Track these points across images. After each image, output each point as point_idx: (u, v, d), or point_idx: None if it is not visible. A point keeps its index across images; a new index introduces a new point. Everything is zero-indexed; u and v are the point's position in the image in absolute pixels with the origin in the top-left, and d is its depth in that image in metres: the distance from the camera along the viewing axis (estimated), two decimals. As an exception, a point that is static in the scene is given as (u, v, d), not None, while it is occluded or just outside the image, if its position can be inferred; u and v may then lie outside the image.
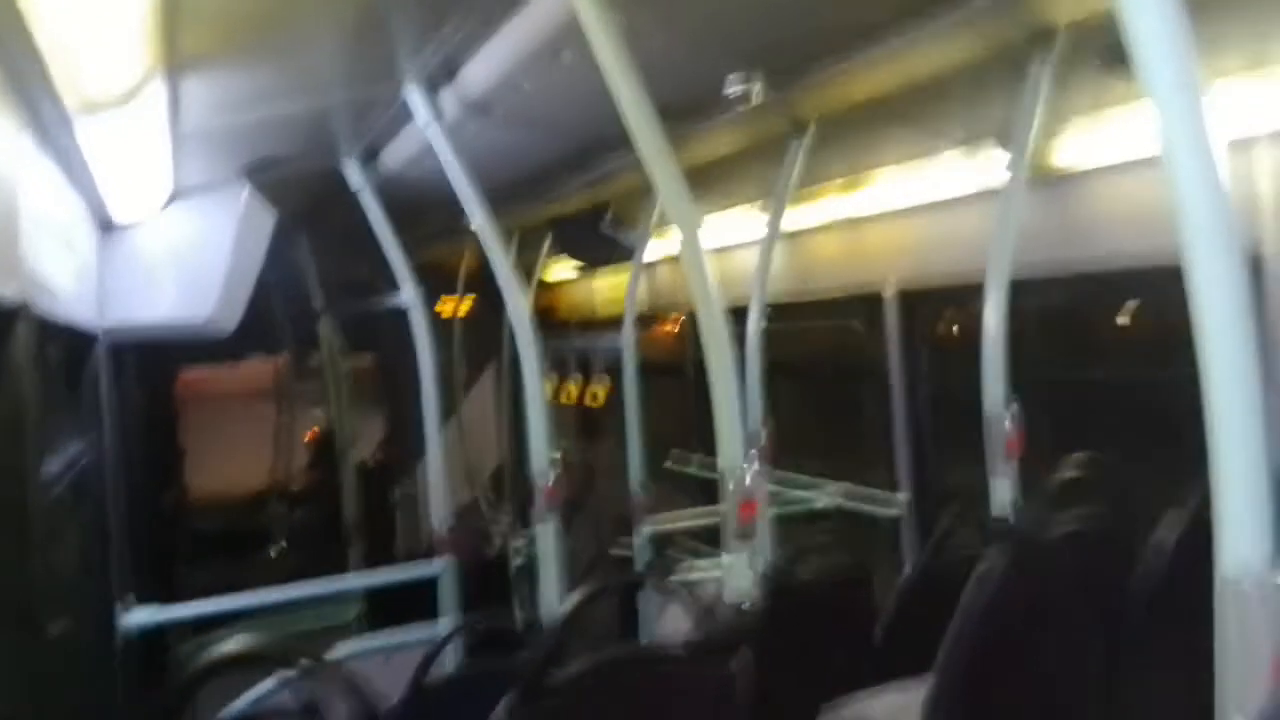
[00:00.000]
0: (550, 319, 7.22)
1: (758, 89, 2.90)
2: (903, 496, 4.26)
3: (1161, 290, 3.14)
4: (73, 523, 2.74)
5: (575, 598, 1.88)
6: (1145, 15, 1.26)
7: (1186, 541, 2.42)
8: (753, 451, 3.33)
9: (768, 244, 4.22)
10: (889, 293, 4.24)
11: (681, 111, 2.49)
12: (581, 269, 6.48)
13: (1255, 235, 2.45)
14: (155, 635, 4.01)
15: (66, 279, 2.67)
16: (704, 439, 5.92)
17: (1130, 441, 3.44)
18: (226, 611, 4.13)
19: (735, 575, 1.97)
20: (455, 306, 7.04)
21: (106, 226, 3.60)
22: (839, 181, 4.11)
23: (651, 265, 5.56)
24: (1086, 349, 3.74)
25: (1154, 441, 3.39)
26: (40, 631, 1.95)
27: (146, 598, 3.74)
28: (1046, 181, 3.18)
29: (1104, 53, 2.78)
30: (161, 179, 3.27)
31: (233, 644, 1.81)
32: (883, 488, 4.40)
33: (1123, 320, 3.42)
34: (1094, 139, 3.13)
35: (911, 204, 3.96)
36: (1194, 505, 2.43)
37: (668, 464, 6.06)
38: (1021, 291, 3.05)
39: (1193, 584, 2.47)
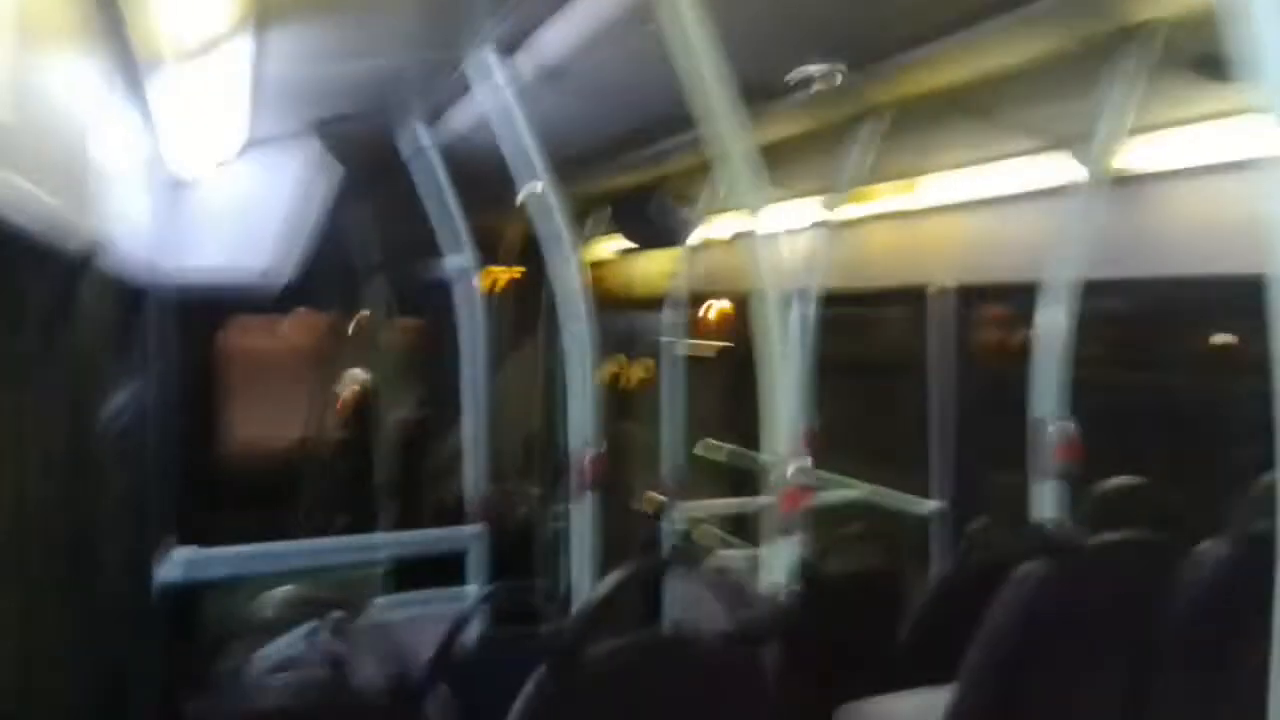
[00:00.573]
0: (598, 293, 7.21)
1: (829, 73, 2.85)
2: (938, 496, 4.22)
3: (1229, 302, 3.07)
4: (124, 465, 2.80)
5: (614, 577, 1.88)
6: (1260, 19, 1.21)
7: (1230, 563, 2.37)
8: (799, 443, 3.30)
9: (826, 232, 4.17)
10: (936, 289, 4.18)
11: (752, 92, 2.44)
12: (629, 248, 6.46)
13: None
14: (188, 584, 4.10)
15: (131, 226, 2.71)
16: (740, 428, 5.94)
17: (1178, 456, 3.37)
18: (260, 560, 4.21)
19: (774, 567, 1.95)
20: (500, 277, 7.06)
21: (172, 175, 3.65)
22: (904, 173, 4.04)
23: (700, 249, 5.52)
24: (1143, 359, 3.66)
25: (1201, 458, 3.32)
26: (90, 567, 1.99)
27: (185, 542, 3.81)
28: (1119, 186, 3.10)
29: (1191, 57, 2.70)
30: (229, 132, 3.30)
31: (266, 601, 1.84)
32: (917, 488, 4.35)
33: (1184, 331, 3.35)
34: (1169, 143, 3.05)
35: (974, 199, 3.89)
36: (1239, 525, 2.38)
37: (697, 450, 6.05)
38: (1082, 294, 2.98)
39: (1234, 606, 2.42)
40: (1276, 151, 1.14)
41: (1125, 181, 3.13)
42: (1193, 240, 2.99)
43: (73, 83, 1.79)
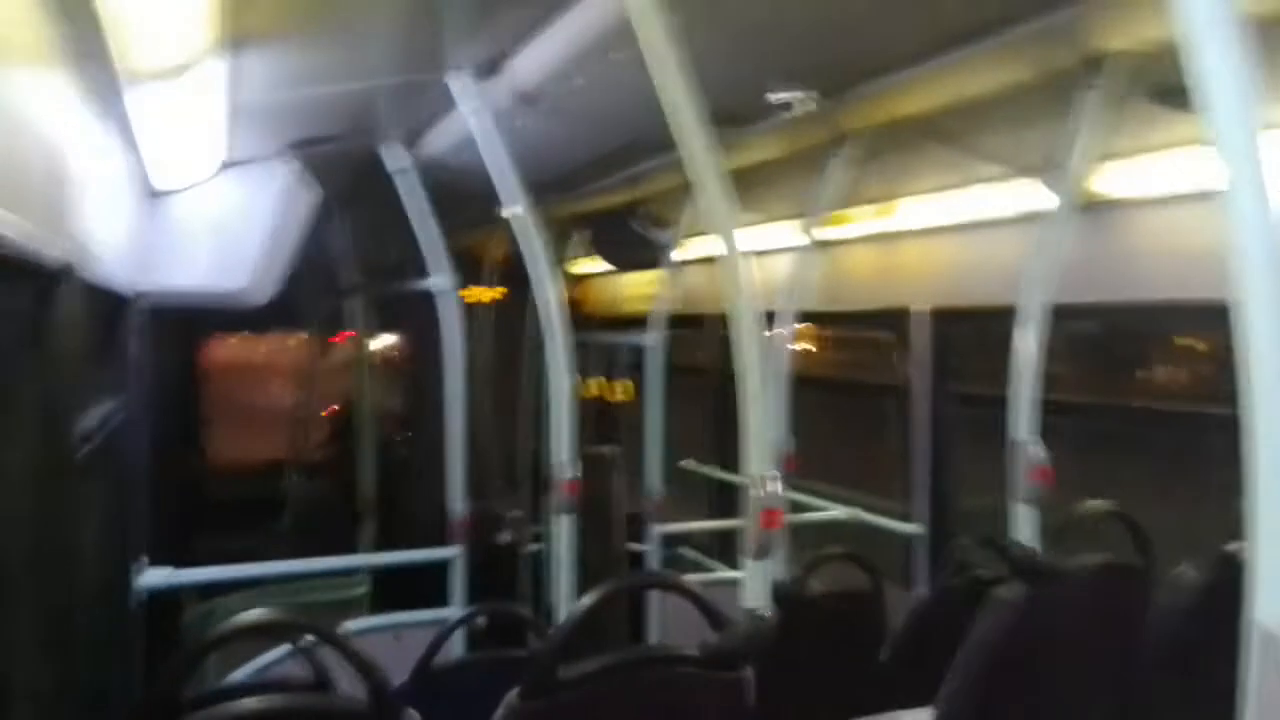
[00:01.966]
0: (574, 314, 7.24)
1: (804, 99, 2.90)
2: (917, 517, 4.24)
3: (1196, 326, 3.13)
4: (99, 481, 2.78)
5: (594, 594, 1.88)
6: (1209, 52, 1.25)
7: (1209, 585, 2.40)
8: (777, 462, 3.33)
9: (802, 255, 4.21)
10: (917, 311, 4.23)
11: (726, 116, 2.49)
12: (610, 268, 6.49)
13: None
14: (168, 597, 4.06)
15: (109, 242, 2.70)
16: (721, 446, 5.97)
17: (1154, 478, 3.41)
18: (237, 579, 4.18)
19: (754, 585, 1.96)
20: (482, 296, 7.07)
21: (150, 193, 3.64)
22: (876, 198, 4.10)
23: (679, 267, 5.56)
24: (1114, 381, 3.71)
25: (1178, 480, 3.36)
26: (64, 585, 1.98)
27: (161, 560, 3.78)
28: (1087, 210, 3.16)
29: (1154, 87, 2.77)
30: (208, 150, 3.30)
31: (249, 613, 1.83)
32: (898, 507, 4.38)
33: (1153, 353, 3.40)
34: (1137, 171, 3.11)
35: (946, 224, 3.94)
36: (1218, 548, 2.40)
37: (682, 464, 6.06)
38: (1054, 318, 3.03)
39: (1212, 629, 2.44)
40: (1222, 181, 1.18)
41: (1095, 207, 3.18)
42: (1160, 265, 3.04)
43: (48, 101, 1.80)
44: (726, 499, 5.92)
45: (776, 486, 1.94)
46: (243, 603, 4.05)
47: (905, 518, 4.32)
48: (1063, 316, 2.96)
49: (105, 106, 2.39)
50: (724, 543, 5.89)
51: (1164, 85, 2.67)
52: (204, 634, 3.32)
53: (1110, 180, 3.15)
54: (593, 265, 6.55)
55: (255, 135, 3.48)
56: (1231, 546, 2.35)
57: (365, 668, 1.71)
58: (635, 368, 6.06)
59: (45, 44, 1.75)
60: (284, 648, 3.39)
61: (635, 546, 5.66)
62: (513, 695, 1.76)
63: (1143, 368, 3.62)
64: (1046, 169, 3.19)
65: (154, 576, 3.66)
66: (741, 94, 2.98)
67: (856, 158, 3.79)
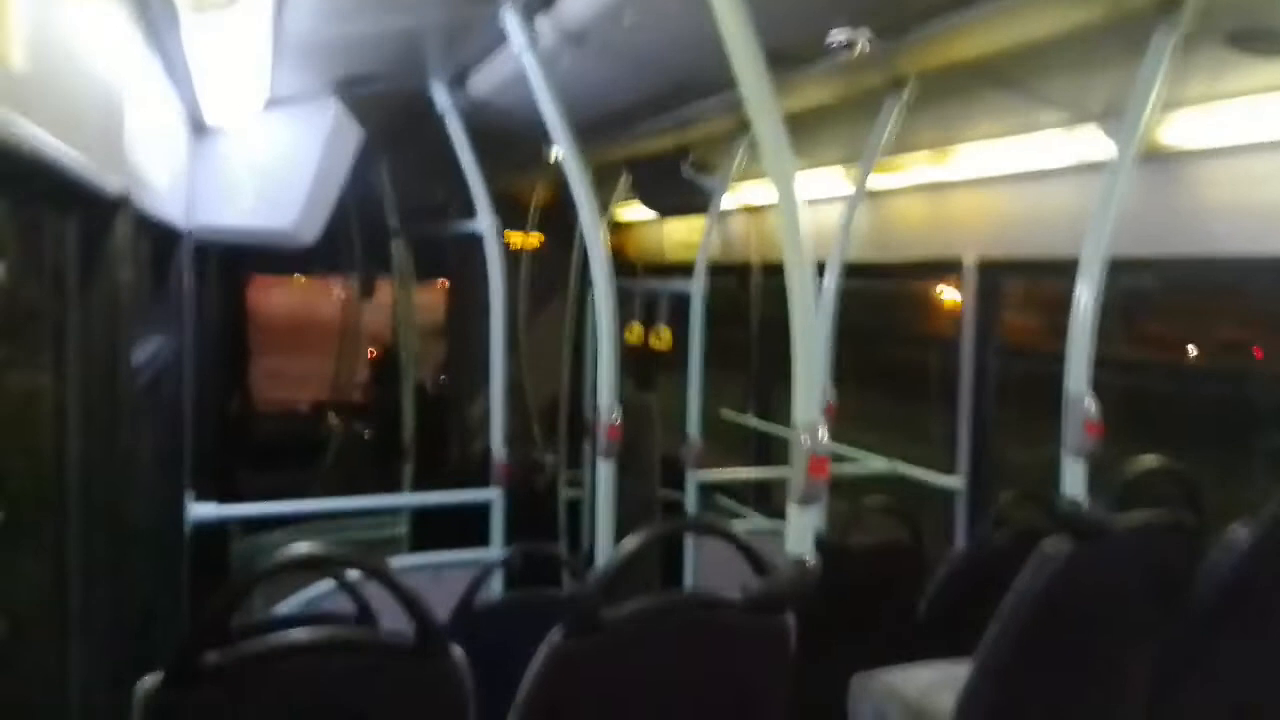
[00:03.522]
0: (618, 260, 7.21)
1: (862, 40, 2.80)
2: (960, 472, 4.21)
3: (1267, 281, 3.03)
4: (152, 415, 2.83)
5: (638, 536, 1.88)
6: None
7: (1259, 546, 2.35)
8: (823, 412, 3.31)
9: (853, 202, 4.13)
10: (968, 263, 4.14)
11: (781, 56, 2.41)
12: (654, 214, 6.43)
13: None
14: (215, 531, 4.16)
15: (162, 177, 2.72)
16: (761, 395, 5.95)
17: (1206, 438, 3.35)
18: (282, 515, 4.28)
19: (797, 534, 1.95)
20: (525, 240, 7.06)
21: (200, 128, 3.66)
22: (931, 145, 3.99)
23: (725, 216, 5.49)
24: (1176, 337, 3.62)
25: (1231, 440, 3.30)
26: (118, 515, 2.02)
27: (208, 496, 3.87)
28: (1152, 160, 3.05)
29: (1234, 30, 2.64)
30: (256, 86, 3.29)
31: (297, 546, 1.86)
32: (941, 461, 4.35)
33: (1219, 311, 3.30)
34: (1209, 119, 2.99)
35: (1002, 173, 3.84)
36: (1270, 509, 2.36)
37: (722, 414, 6.06)
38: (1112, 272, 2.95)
39: (1260, 589, 2.40)
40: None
41: (1161, 157, 3.07)
42: (1231, 219, 2.94)
43: (103, 33, 1.79)
44: (764, 449, 5.92)
45: (824, 435, 1.92)
46: (285, 539, 4.14)
47: (947, 471, 4.28)
48: (1122, 269, 2.87)
49: (157, 39, 2.38)
50: (759, 493, 5.90)
51: (1246, 28, 2.54)
52: (250, 567, 3.41)
53: (1179, 129, 3.03)
54: (637, 211, 6.50)
55: (302, 72, 3.45)
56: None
57: (411, 603, 1.74)
58: (678, 315, 6.04)
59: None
60: (328, 583, 3.46)
61: (672, 494, 5.70)
62: (555, 634, 1.79)
63: (1200, 325, 3.53)
64: (1109, 116, 3.07)
65: (201, 510, 3.75)
66: (798, 33, 2.89)
67: (912, 103, 3.69)
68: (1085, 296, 2.77)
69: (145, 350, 2.58)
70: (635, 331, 6.85)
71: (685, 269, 5.31)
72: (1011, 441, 4.09)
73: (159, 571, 3.24)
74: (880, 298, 5.41)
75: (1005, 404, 4.12)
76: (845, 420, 4.42)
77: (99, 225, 1.85)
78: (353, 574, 2.77)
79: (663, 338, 6.70)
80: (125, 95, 1.99)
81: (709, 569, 4.78)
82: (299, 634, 1.69)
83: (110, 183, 1.80)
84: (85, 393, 1.80)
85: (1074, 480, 2.71)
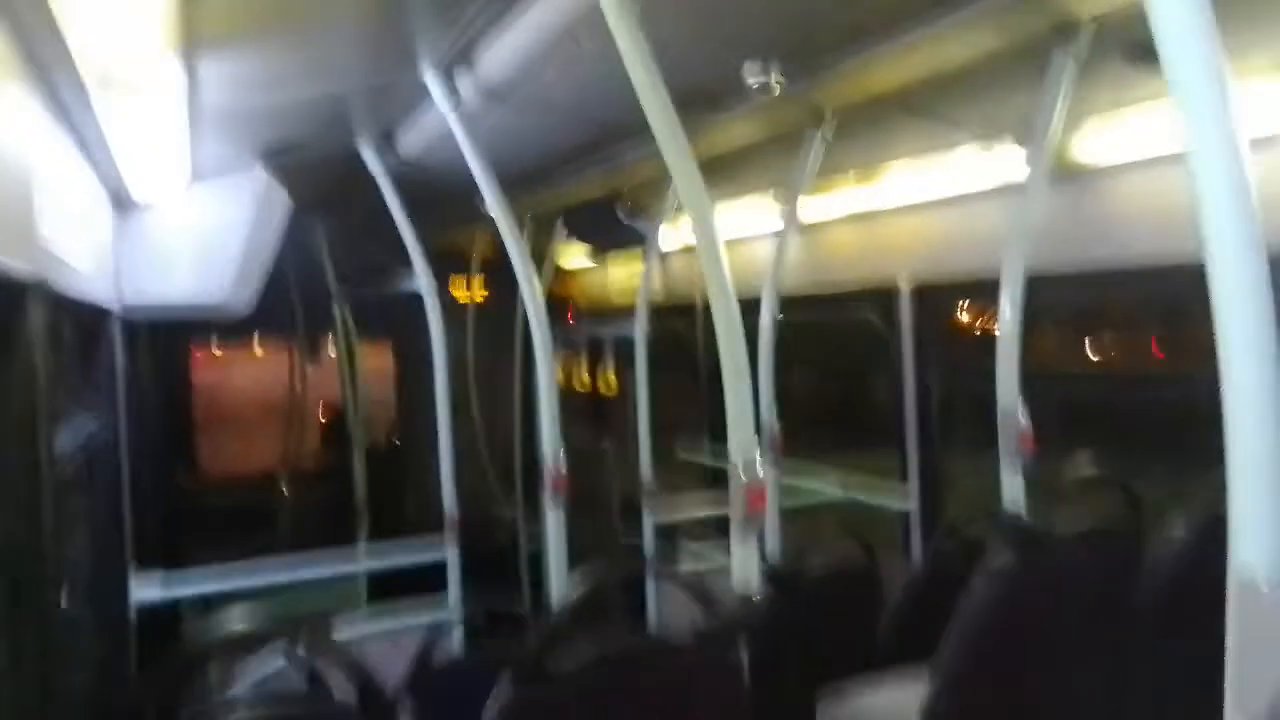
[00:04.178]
0: (564, 306, 7.22)
1: (776, 79, 2.88)
2: (911, 491, 4.25)
3: (1178, 288, 3.13)
4: (87, 496, 2.76)
5: (580, 585, 1.88)
6: (1172, 11, 1.25)
7: (1194, 542, 2.41)
8: (763, 443, 3.33)
9: (783, 236, 4.20)
10: (903, 287, 4.22)
11: (699, 100, 2.47)
12: (595, 256, 6.48)
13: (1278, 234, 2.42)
14: (165, 609, 4.05)
15: (83, 256, 2.68)
16: (714, 429, 5.96)
17: (1138, 440, 3.43)
18: (234, 586, 4.17)
19: (742, 566, 1.96)
20: (469, 291, 7.05)
21: (124, 206, 3.62)
22: (855, 174, 4.09)
23: (663, 256, 5.54)
24: (1098, 346, 3.71)
25: (1162, 441, 3.37)
26: (53, 601, 1.97)
27: (156, 570, 3.77)
28: (1065, 177, 3.15)
29: (1129, 48, 2.75)
30: (179, 160, 3.28)
31: (240, 621, 1.82)
32: (891, 482, 4.39)
33: (1135, 318, 3.40)
34: (1114, 135, 3.11)
35: (927, 198, 3.94)
36: (1201, 506, 2.41)
37: (677, 456, 6.06)
38: (1039, 287, 3.03)
39: (1200, 585, 2.45)
40: (1185, 141, 1.17)
41: (1073, 173, 3.18)
42: (1134, 228, 3.04)
43: (9, 113, 1.78)
44: (721, 484, 5.92)
45: (757, 469, 1.94)
46: (240, 611, 4.03)
47: (898, 494, 4.32)
48: (1041, 285, 2.96)
49: (70, 116, 2.37)
50: (721, 525, 5.89)
51: (1136, 43, 2.66)
52: (196, 644, 3.32)
53: (1087, 145, 3.15)
54: (580, 258, 6.54)
55: (224, 143, 3.45)
56: (1208, 506, 2.36)
57: (354, 672, 1.71)
58: (628, 358, 6.06)
59: (5, 58, 1.73)
60: (280, 656, 3.38)
61: (634, 537, 5.67)
62: (502, 689, 1.76)
63: (1119, 333, 3.63)
64: (1023, 137, 3.18)
65: (146, 585, 3.65)
66: (713, 77, 2.97)
67: (834, 133, 3.78)
68: (1008, 312, 2.84)
69: (75, 431, 2.53)
70: (584, 375, 6.86)
71: (630, 311, 5.34)
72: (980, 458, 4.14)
73: (102, 652, 3.14)
74: (825, 327, 5.48)
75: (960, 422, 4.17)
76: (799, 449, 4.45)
77: (10, 307, 1.82)
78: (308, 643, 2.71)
79: (611, 379, 6.71)
80: (35, 177, 1.97)
81: (672, 607, 4.76)
82: (241, 712, 1.65)
83: (19, 265, 1.77)
84: (8, 479, 1.76)
85: (1013, 492, 2.75)
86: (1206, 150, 1.23)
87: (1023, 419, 2.81)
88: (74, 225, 2.51)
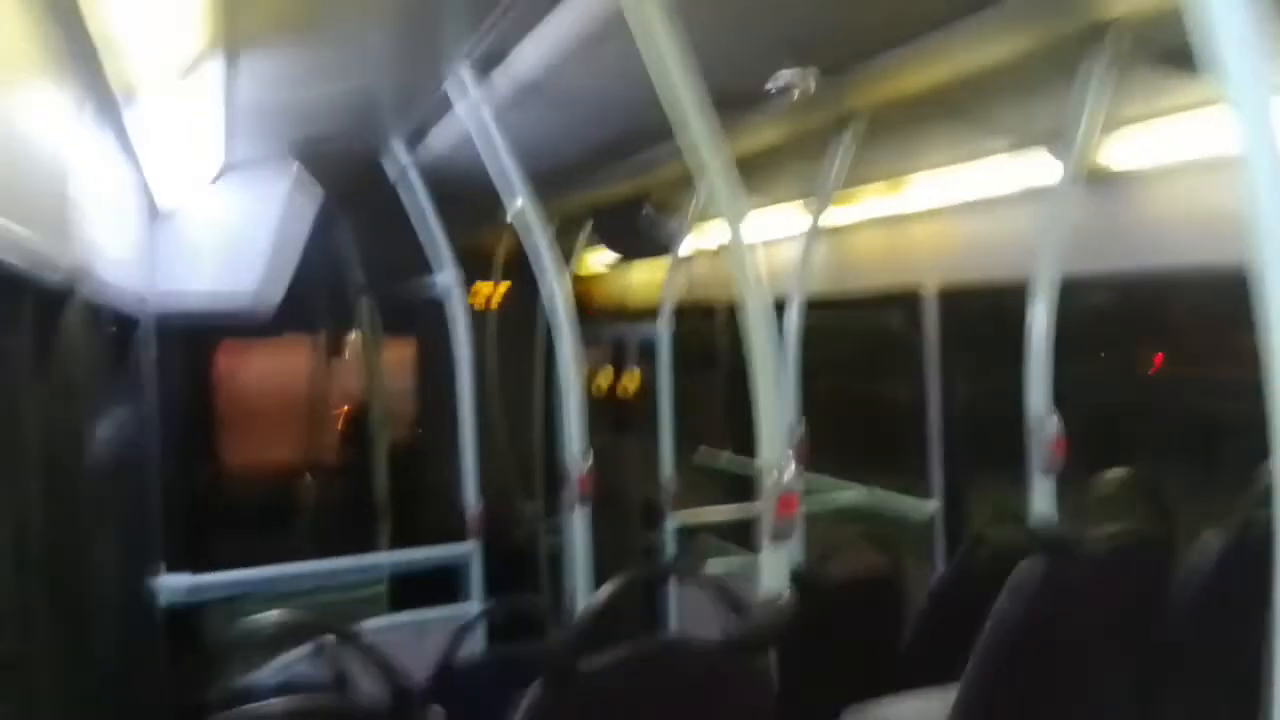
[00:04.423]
0: (585, 308, 7.23)
1: (807, 81, 2.86)
2: (934, 500, 4.22)
3: (1213, 294, 3.09)
4: (115, 494, 2.79)
5: (609, 587, 1.87)
6: (1220, 14, 1.22)
7: (1230, 556, 2.37)
8: (791, 448, 3.32)
9: (810, 239, 4.18)
10: (929, 292, 4.19)
11: (728, 101, 2.46)
12: (618, 260, 6.47)
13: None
14: (191, 609, 4.08)
15: (116, 256, 2.71)
16: (735, 435, 5.94)
17: (1174, 452, 3.38)
18: (257, 583, 4.20)
19: (771, 572, 1.95)
20: (491, 292, 7.07)
21: (156, 202, 3.65)
22: (884, 177, 4.06)
23: (688, 259, 5.53)
24: (1134, 354, 3.67)
25: (1198, 452, 3.33)
26: (84, 597, 1.98)
27: (181, 568, 3.80)
28: (1097, 182, 3.12)
29: (1162, 53, 2.72)
30: (210, 157, 3.31)
31: (269, 616, 1.83)
32: (915, 490, 4.36)
33: (1171, 325, 3.36)
34: (1148, 140, 3.07)
35: (956, 202, 3.91)
36: (1238, 519, 2.38)
37: (697, 459, 6.04)
38: (1069, 293, 3.00)
39: (1235, 598, 2.42)
40: (1237, 144, 1.15)
41: (1105, 177, 3.15)
42: (1168, 233, 3.00)
43: (48, 116, 1.80)
44: (745, 485, 5.90)
45: (791, 471, 1.93)
46: (264, 605, 4.07)
47: (921, 502, 4.29)
48: (1075, 288, 2.93)
49: (105, 119, 2.39)
50: (740, 527, 5.87)
51: (1170, 48, 2.63)
52: (225, 638, 3.35)
53: (1119, 148, 3.11)
54: (605, 257, 6.54)
55: (257, 137, 3.48)
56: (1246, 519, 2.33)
57: (384, 667, 1.72)
58: (652, 359, 6.06)
59: (40, 59, 1.75)
60: (306, 648, 3.40)
61: (654, 538, 5.66)
62: (534, 689, 1.77)
63: (1156, 341, 3.59)
64: (1054, 142, 3.15)
65: (173, 584, 3.68)
66: (742, 77, 2.95)
67: (862, 137, 3.76)
68: (1039, 317, 2.81)
69: (107, 430, 2.55)
70: (607, 376, 6.85)
71: (652, 314, 5.34)
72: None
73: (132, 648, 3.17)
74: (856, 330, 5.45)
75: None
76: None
77: (48, 310, 1.84)
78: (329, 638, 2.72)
79: (629, 382, 6.70)
80: (73, 179, 1.99)
81: (692, 610, 4.75)
82: (272, 705, 1.66)
83: (61, 268, 1.79)
84: (36, 481, 1.77)
85: (1043, 499, 2.72)
86: (1255, 154, 1.21)
87: (1055, 424, 2.77)
88: (110, 225, 2.54)
